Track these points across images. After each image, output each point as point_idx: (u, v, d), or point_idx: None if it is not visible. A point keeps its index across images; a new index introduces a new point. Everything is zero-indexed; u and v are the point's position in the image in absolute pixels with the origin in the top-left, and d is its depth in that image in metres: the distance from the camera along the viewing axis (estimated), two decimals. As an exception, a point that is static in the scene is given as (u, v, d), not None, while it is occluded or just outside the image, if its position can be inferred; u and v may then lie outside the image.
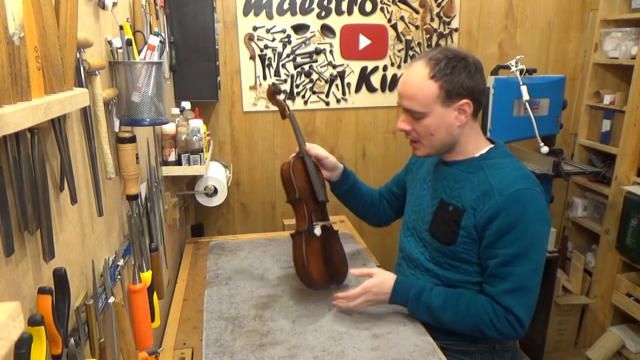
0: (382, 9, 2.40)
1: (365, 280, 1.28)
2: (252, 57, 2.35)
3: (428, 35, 2.48)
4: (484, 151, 1.27)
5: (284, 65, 2.38)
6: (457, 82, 1.16)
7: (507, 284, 1.16)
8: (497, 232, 1.15)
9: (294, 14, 2.33)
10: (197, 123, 1.66)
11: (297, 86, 2.41)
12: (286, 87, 2.40)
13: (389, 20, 2.43)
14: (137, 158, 1.04)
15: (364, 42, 2.42)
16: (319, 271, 1.30)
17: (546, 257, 2.22)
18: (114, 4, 1.00)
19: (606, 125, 2.51)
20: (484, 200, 1.18)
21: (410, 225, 1.41)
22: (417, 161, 1.50)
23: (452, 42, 2.51)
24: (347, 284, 1.44)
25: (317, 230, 1.37)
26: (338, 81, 2.45)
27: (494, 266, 1.17)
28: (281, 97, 1.46)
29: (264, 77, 2.37)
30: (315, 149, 1.45)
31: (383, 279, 1.28)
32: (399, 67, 2.48)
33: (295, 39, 2.36)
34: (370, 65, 2.46)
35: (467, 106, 1.19)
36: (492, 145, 1.29)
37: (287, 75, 2.39)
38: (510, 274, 1.15)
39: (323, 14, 2.36)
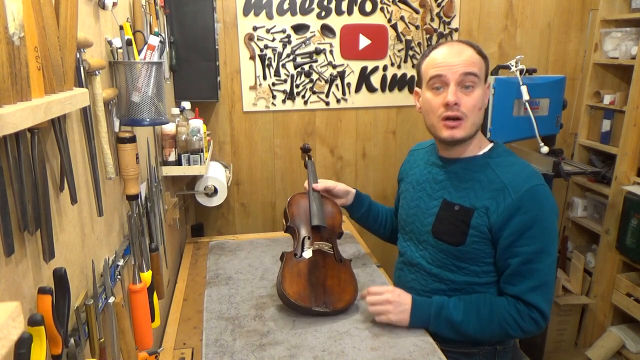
0: (382, 9, 2.40)
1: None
2: (252, 57, 2.35)
3: (428, 35, 2.48)
4: (486, 149, 1.27)
5: (284, 65, 2.38)
6: (489, 65, 1.24)
7: (531, 281, 1.17)
8: (517, 231, 1.16)
9: (294, 14, 2.33)
10: (197, 123, 1.66)
11: (297, 86, 2.41)
12: (286, 87, 2.40)
13: (389, 20, 2.42)
14: (137, 158, 1.04)
15: (364, 42, 2.42)
16: (296, 291, 1.29)
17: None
18: (114, 4, 1.00)
19: (606, 125, 2.51)
20: (498, 198, 1.18)
21: (408, 229, 1.40)
22: (407, 168, 1.51)
23: (452, 42, 2.51)
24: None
25: (307, 254, 1.39)
26: (338, 81, 2.45)
27: (517, 265, 1.18)
28: (307, 153, 1.71)
29: (264, 77, 2.38)
30: (323, 183, 1.53)
31: (400, 292, 1.25)
32: (399, 67, 2.48)
33: (295, 39, 2.36)
34: (370, 65, 2.46)
35: (488, 89, 1.25)
36: (492, 145, 1.29)
37: (287, 75, 2.39)
38: (533, 271, 1.16)
39: (323, 14, 2.36)
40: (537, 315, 1.17)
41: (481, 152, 1.27)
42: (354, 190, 1.57)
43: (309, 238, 1.44)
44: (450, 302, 1.22)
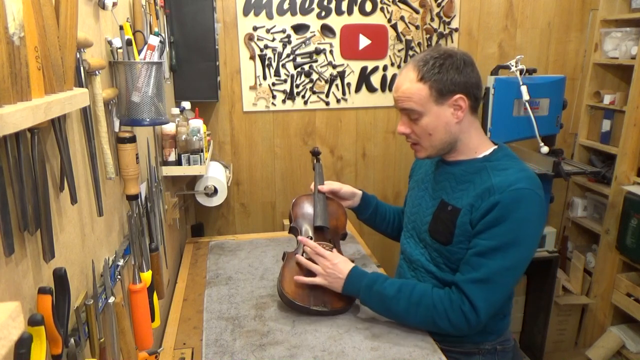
0: (382, 9, 2.40)
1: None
2: (252, 57, 2.35)
3: (428, 35, 2.48)
4: (487, 152, 1.26)
5: (284, 65, 2.38)
6: (446, 80, 1.18)
7: (475, 273, 1.15)
8: (487, 223, 1.15)
9: (294, 14, 2.33)
10: (197, 123, 1.66)
11: (297, 86, 2.41)
12: (286, 87, 2.40)
13: (389, 20, 2.43)
14: (137, 158, 1.04)
15: (364, 42, 2.42)
16: (295, 290, 1.31)
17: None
18: (114, 4, 1.00)
19: (606, 125, 2.51)
20: (483, 196, 1.17)
21: (410, 227, 1.41)
22: (416, 165, 1.52)
23: (452, 42, 2.51)
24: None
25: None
26: (338, 81, 2.45)
27: (471, 254, 1.18)
28: (316, 157, 1.72)
29: (264, 77, 2.38)
30: (329, 185, 1.55)
31: (343, 260, 1.31)
32: (399, 67, 2.48)
33: (295, 39, 2.36)
34: (370, 65, 2.46)
35: (461, 101, 1.19)
36: (495, 147, 1.28)
37: (287, 75, 2.39)
38: (481, 265, 1.15)
39: (323, 14, 2.36)
40: (469, 308, 1.15)
41: (481, 155, 1.26)
42: (360, 192, 1.58)
43: (311, 238, 1.44)
44: (389, 279, 1.26)
